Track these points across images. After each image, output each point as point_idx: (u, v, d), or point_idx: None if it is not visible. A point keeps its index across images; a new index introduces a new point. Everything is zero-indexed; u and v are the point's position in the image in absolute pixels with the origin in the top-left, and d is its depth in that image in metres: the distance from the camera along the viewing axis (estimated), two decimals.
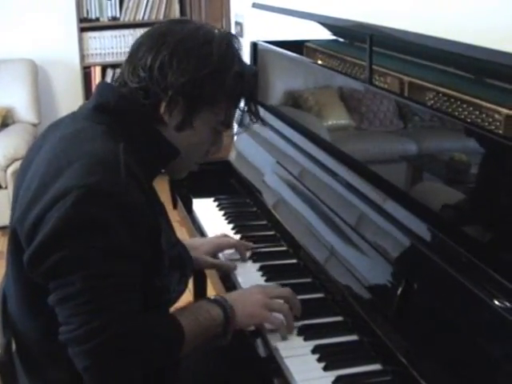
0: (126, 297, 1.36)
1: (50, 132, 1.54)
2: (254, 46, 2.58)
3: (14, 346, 1.54)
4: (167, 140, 1.50)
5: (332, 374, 1.41)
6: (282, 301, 1.60)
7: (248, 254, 1.98)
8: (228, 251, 1.99)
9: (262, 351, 1.56)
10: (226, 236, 2.03)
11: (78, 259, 1.32)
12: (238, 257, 1.96)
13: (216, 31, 1.51)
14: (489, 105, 1.58)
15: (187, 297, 1.63)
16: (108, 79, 5.30)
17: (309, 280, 1.83)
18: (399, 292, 1.43)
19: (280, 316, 1.57)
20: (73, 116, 1.54)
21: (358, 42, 2.29)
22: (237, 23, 4.52)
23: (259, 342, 1.58)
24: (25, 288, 1.46)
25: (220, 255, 1.98)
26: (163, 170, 1.59)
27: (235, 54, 1.51)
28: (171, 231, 1.60)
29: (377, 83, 2.02)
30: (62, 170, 1.36)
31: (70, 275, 1.32)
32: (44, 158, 1.45)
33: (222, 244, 1.97)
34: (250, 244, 2.01)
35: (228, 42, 1.50)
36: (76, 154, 1.39)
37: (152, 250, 1.42)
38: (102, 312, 1.32)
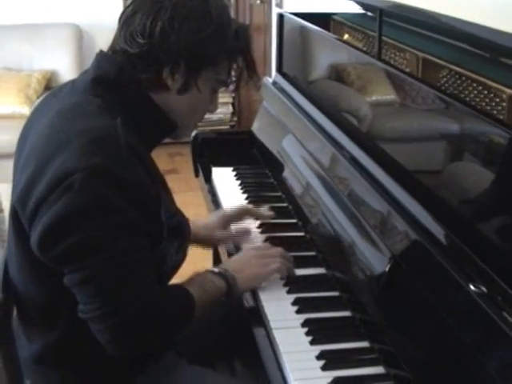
0: (144, 271, 1.40)
1: (49, 101, 1.55)
2: (281, 18, 2.56)
3: (14, 311, 1.57)
4: (165, 115, 1.52)
5: (317, 349, 1.42)
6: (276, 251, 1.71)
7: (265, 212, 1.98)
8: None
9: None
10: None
11: (92, 242, 1.33)
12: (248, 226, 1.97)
13: None
14: (495, 85, 1.56)
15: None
16: None
17: (313, 254, 1.83)
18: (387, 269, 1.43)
19: None
20: (72, 86, 1.54)
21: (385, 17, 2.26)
22: None
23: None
24: (28, 263, 1.46)
25: (232, 228, 1.98)
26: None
27: (229, 11, 1.55)
28: (170, 201, 1.60)
29: (395, 59, 2.00)
30: (61, 148, 1.35)
31: (86, 258, 1.33)
32: (41, 133, 1.44)
33: (226, 215, 1.96)
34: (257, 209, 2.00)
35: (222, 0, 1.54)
36: (74, 130, 1.38)
37: (154, 224, 1.44)
38: (124, 289, 1.36)
